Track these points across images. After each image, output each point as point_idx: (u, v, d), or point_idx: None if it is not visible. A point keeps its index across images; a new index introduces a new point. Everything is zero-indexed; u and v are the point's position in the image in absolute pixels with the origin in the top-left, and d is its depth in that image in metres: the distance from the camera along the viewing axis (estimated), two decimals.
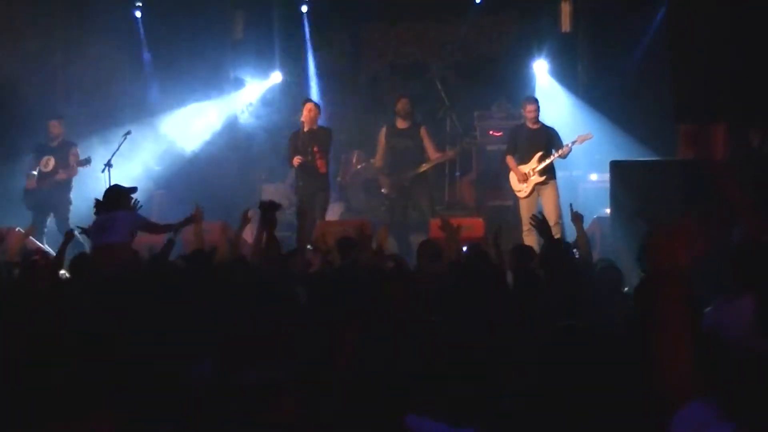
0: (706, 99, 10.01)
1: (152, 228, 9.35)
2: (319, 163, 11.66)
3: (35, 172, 12.49)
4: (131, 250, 8.65)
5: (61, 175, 12.44)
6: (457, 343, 4.19)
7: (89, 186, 12.14)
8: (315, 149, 11.56)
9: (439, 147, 12.60)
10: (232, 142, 14.35)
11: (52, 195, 12.40)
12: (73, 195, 12.47)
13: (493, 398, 3.69)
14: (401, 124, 12.24)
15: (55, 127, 12.67)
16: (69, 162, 12.49)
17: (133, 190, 9.18)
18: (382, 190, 12.37)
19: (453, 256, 7.48)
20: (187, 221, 8.86)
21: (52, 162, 12.52)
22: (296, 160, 11.51)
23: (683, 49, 10.28)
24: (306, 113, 11.74)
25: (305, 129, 11.70)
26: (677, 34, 10.57)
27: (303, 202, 11.74)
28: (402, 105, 12.20)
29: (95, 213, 8.92)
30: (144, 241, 10.03)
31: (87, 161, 12.47)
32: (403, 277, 5.97)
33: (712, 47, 9.87)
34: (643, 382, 2.57)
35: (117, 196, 9.02)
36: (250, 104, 14.88)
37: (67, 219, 12.13)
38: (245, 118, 14.84)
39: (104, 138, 12.75)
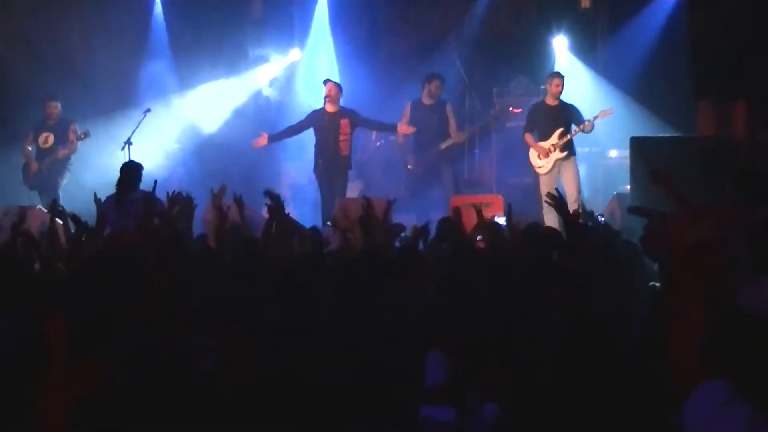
0: (724, 76, 9.96)
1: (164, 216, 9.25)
2: (342, 146, 11.70)
3: (31, 148, 12.60)
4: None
5: (60, 153, 12.47)
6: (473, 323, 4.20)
7: (110, 164, 12.18)
8: (342, 133, 11.63)
9: (459, 126, 12.59)
10: (251, 121, 14.34)
11: (52, 172, 12.45)
12: (72, 173, 12.59)
13: (517, 376, 3.68)
14: (427, 100, 12.27)
15: (54, 108, 12.67)
16: (69, 138, 12.52)
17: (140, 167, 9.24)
18: (408, 167, 12.36)
19: (467, 236, 7.45)
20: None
21: (51, 138, 12.56)
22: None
23: (702, 27, 10.22)
24: (327, 92, 11.74)
25: (328, 109, 11.72)
26: (696, 10, 10.51)
27: (320, 181, 11.77)
28: (435, 87, 12.22)
29: (117, 194, 8.91)
30: None
31: (86, 134, 12.49)
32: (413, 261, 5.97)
33: (731, 24, 9.81)
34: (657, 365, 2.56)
35: (136, 174, 9.05)
36: (270, 83, 14.87)
37: (57, 197, 12.12)
38: (264, 96, 14.84)
39: (126, 116, 12.75)
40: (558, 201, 6.00)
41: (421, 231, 7.45)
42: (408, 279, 5.40)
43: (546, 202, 6.54)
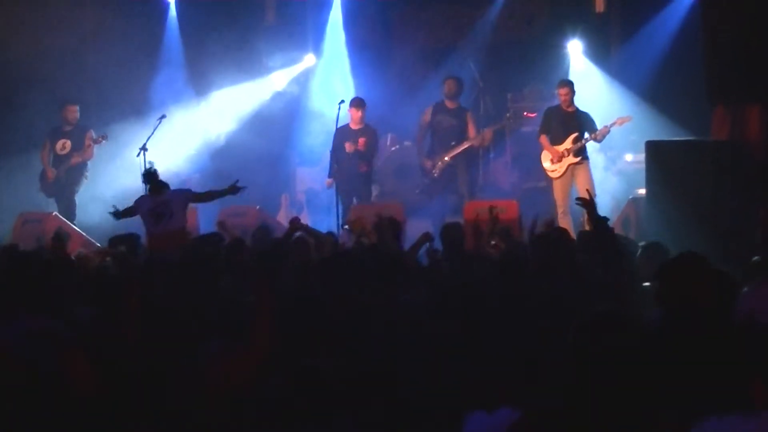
0: (739, 79, 9.92)
1: (199, 198, 9.60)
2: (360, 163, 11.79)
3: (51, 157, 12.67)
4: (188, 233, 8.87)
5: (75, 159, 12.56)
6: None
7: (125, 170, 12.23)
8: (359, 153, 11.75)
9: (478, 131, 12.57)
10: (266, 126, 14.37)
11: (69, 179, 12.55)
12: (89, 179, 12.73)
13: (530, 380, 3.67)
14: (449, 104, 12.26)
15: (73, 112, 12.75)
16: (85, 144, 12.59)
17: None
18: (433, 173, 12.26)
19: (479, 243, 7.46)
20: (229, 191, 9.22)
21: (68, 145, 12.65)
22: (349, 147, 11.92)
23: (716, 29, 10.19)
24: (353, 114, 11.88)
25: (352, 127, 11.86)
26: (710, 13, 10.47)
27: (339, 191, 11.79)
28: (447, 86, 12.22)
29: (150, 195, 9.01)
30: None
31: (104, 137, 12.56)
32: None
33: (745, 27, 9.77)
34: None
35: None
36: (283, 88, 14.89)
37: (73, 203, 12.27)
38: (278, 102, 14.83)
39: (142, 122, 12.78)
40: (586, 203, 6.00)
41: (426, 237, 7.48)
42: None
43: (577, 203, 6.53)
